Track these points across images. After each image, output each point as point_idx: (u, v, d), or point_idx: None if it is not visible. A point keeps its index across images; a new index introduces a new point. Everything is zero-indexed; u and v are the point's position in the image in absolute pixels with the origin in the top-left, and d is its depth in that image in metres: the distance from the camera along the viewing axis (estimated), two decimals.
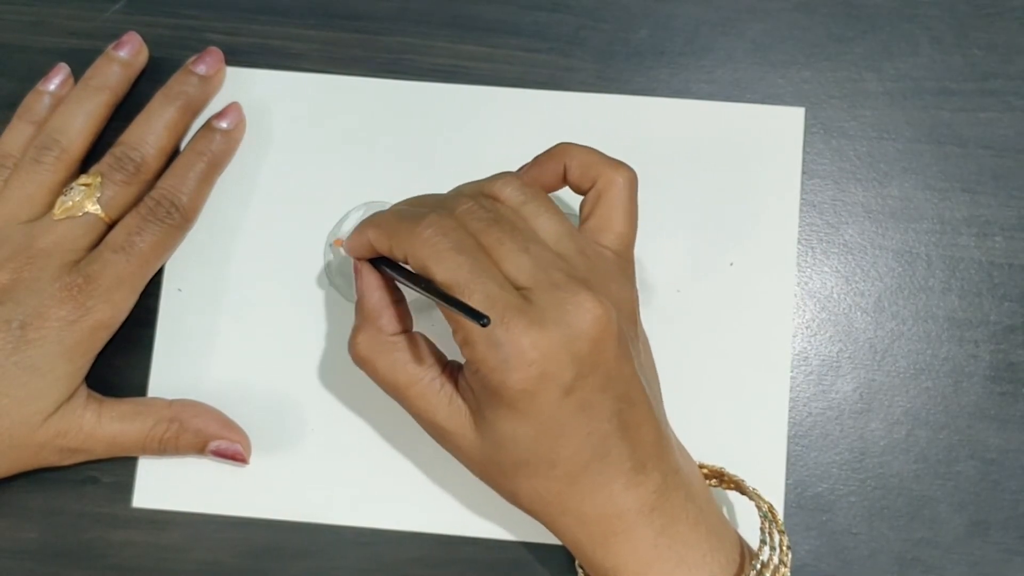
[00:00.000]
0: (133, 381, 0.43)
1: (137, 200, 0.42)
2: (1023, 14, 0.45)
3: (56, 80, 0.44)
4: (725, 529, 0.37)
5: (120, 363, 0.43)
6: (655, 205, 0.43)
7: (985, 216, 0.44)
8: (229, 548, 0.42)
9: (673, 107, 0.45)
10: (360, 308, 0.38)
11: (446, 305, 0.33)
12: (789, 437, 0.43)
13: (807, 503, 0.42)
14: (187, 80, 0.44)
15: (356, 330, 0.37)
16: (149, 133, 0.42)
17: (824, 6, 0.46)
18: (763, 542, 0.36)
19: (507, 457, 0.35)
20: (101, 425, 0.41)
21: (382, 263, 0.37)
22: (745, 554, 0.37)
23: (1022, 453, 0.42)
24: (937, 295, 0.44)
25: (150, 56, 0.45)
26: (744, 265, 0.43)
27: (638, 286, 0.38)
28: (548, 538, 0.39)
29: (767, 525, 0.37)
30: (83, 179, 0.41)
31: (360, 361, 0.37)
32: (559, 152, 0.38)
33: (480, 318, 0.31)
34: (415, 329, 0.38)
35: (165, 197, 0.42)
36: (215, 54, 0.44)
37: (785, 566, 0.36)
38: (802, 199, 0.44)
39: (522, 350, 0.32)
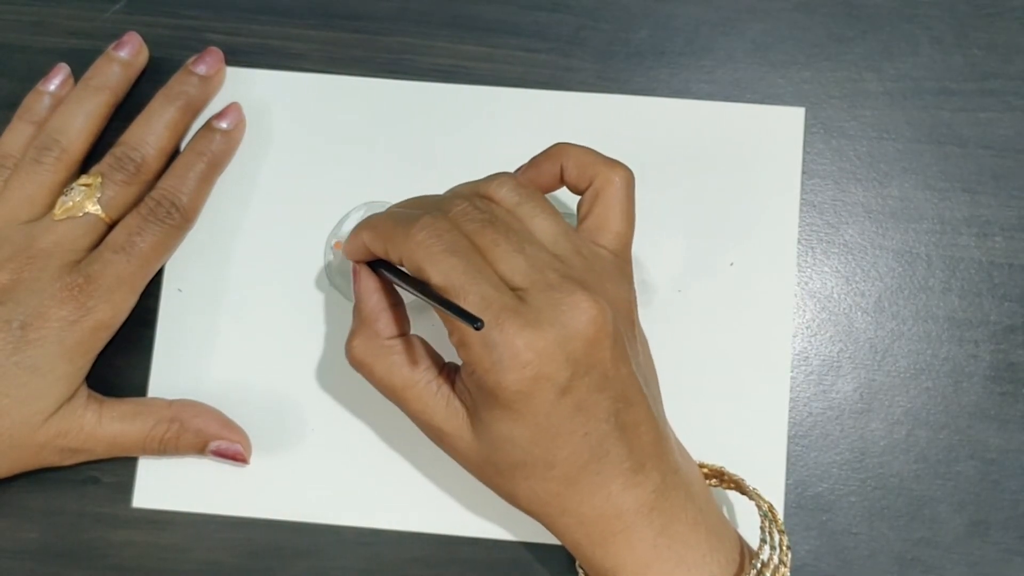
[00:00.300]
0: (133, 381, 0.43)
1: (137, 200, 0.42)
2: (1023, 14, 0.45)
3: (56, 80, 0.44)
4: (725, 529, 0.37)
5: (120, 363, 0.43)
6: (655, 205, 0.43)
7: (985, 216, 0.44)
8: (229, 548, 0.42)
9: (673, 107, 0.45)
10: (357, 311, 0.38)
11: (441, 308, 0.33)
12: (789, 437, 0.43)
13: (807, 503, 0.42)
14: (187, 80, 0.44)
15: (353, 333, 0.37)
16: (149, 133, 0.42)
17: (824, 6, 0.46)
18: (763, 541, 0.36)
19: (504, 458, 0.35)
20: (101, 425, 0.41)
21: (379, 265, 0.37)
22: (745, 554, 0.37)
23: (1022, 453, 0.42)
24: (937, 295, 0.44)
25: (150, 56, 0.45)
26: (744, 265, 0.43)
27: (638, 286, 0.38)
28: (548, 538, 0.39)
29: (767, 525, 0.37)
30: (83, 179, 0.41)
31: (357, 364, 0.37)
32: (556, 152, 0.38)
33: (474, 321, 0.31)
34: (414, 330, 0.38)
35: (165, 197, 0.42)
36: (215, 54, 0.44)
37: (785, 566, 0.36)
38: (802, 199, 0.44)
39: (517, 351, 0.32)
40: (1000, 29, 0.45)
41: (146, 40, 0.45)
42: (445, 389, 0.36)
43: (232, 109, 0.44)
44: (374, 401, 0.38)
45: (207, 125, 0.44)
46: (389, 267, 0.37)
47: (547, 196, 0.38)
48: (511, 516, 0.38)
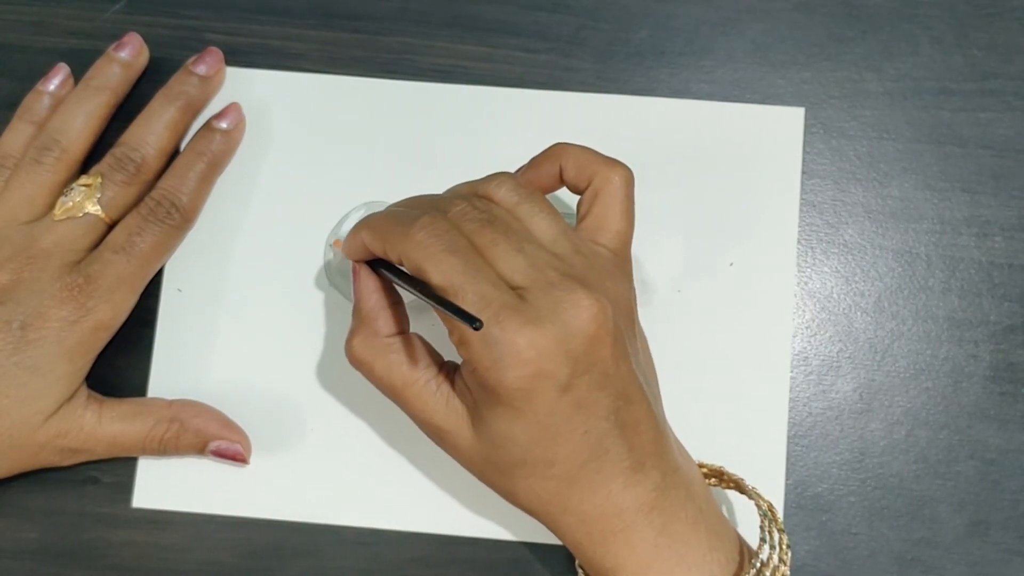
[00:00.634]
0: (133, 381, 0.43)
1: (137, 200, 0.42)
2: (1023, 14, 0.45)
3: (56, 80, 0.44)
4: (725, 528, 0.37)
5: (120, 363, 0.43)
6: (655, 205, 0.43)
7: (985, 216, 0.44)
8: (229, 548, 0.42)
9: (673, 107, 0.45)
10: (357, 310, 0.38)
11: (440, 308, 0.33)
12: (789, 437, 0.43)
13: (807, 503, 0.42)
14: (187, 80, 0.44)
15: (352, 332, 0.37)
16: (149, 133, 0.42)
17: (824, 6, 0.46)
18: (763, 541, 0.36)
19: (505, 457, 0.35)
20: (101, 425, 0.41)
21: (379, 265, 0.37)
22: (745, 553, 0.37)
23: (1022, 453, 0.42)
24: (937, 295, 0.44)
25: (150, 56, 0.45)
26: (744, 265, 0.43)
27: (638, 286, 0.38)
28: (548, 538, 0.39)
29: (767, 524, 0.37)
30: (83, 179, 0.42)
31: (356, 363, 0.37)
32: (555, 153, 0.38)
33: (472, 321, 0.31)
34: (415, 328, 0.38)
35: (165, 197, 0.42)
36: (215, 54, 0.44)
37: (785, 565, 0.36)
38: (802, 199, 0.44)
39: (518, 349, 0.32)
40: (1000, 29, 0.45)
41: (146, 40, 0.45)
42: (445, 387, 0.36)
43: (232, 109, 0.44)
44: (374, 401, 0.38)
45: (207, 125, 0.44)
46: (388, 266, 0.37)
47: (546, 197, 0.38)
48: (511, 516, 0.38)
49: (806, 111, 0.45)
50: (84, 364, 0.41)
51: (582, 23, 0.46)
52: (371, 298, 0.37)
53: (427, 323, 0.42)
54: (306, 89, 0.45)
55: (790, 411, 0.43)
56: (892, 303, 0.44)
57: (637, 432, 0.35)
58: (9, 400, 0.39)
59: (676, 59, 0.45)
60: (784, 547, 0.36)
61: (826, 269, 0.44)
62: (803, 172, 0.44)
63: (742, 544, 0.37)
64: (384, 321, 0.37)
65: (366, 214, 0.43)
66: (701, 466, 0.39)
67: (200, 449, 0.41)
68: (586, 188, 0.38)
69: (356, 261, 0.38)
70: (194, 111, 0.44)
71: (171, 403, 0.42)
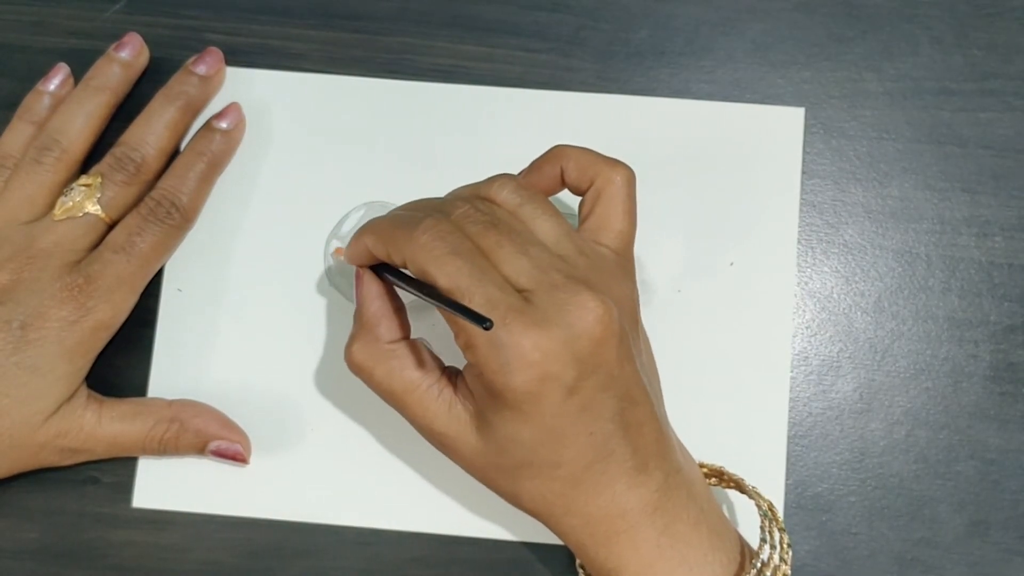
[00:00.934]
0: (133, 381, 0.43)
1: (137, 200, 0.42)
2: (1023, 14, 0.45)
3: (56, 80, 0.44)
4: (726, 528, 0.37)
5: (120, 363, 0.43)
6: (655, 205, 0.43)
7: (985, 216, 0.44)
8: (229, 548, 0.42)
9: (673, 107, 0.45)
10: (359, 316, 0.38)
11: (448, 309, 0.33)
12: (789, 437, 0.43)
13: (807, 503, 0.42)
14: (187, 80, 0.44)
15: (353, 338, 0.37)
16: (149, 133, 0.42)
17: (824, 6, 0.46)
18: (763, 541, 0.36)
19: (510, 459, 0.35)
20: (101, 425, 0.41)
21: (383, 269, 0.37)
22: (746, 553, 0.37)
23: (1022, 453, 0.42)
24: (937, 295, 0.44)
25: (150, 56, 0.45)
26: (744, 265, 0.43)
27: (638, 286, 0.38)
28: (548, 538, 0.39)
29: (767, 524, 0.37)
30: (83, 179, 0.41)
31: (356, 369, 0.37)
32: (555, 155, 0.38)
33: (482, 321, 0.31)
34: (416, 327, 0.38)
35: (165, 197, 0.42)
36: (215, 54, 0.44)
37: (786, 564, 0.36)
38: (802, 199, 0.44)
39: (524, 352, 0.32)
40: (1000, 29, 0.45)
41: (146, 40, 0.45)
42: (447, 392, 0.36)
43: (232, 109, 0.44)
44: (374, 401, 0.38)
45: (207, 125, 0.44)
46: (393, 270, 0.37)
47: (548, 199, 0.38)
48: (511, 516, 0.38)
49: (806, 111, 0.45)
50: (84, 364, 0.41)
51: (582, 23, 0.46)
52: (373, 303, 0.37)
53: (427, 323, 0.42)
54: (306, 89, 0.45)
55: (790, 411, 0.43)
56: (892, 303, 0.44)
57: (641, 433, 0.35)
58: (9, 400, 0.39)
59: (676, 59, 0.45)
60: (785, 547, 0.36)
61: (826, 269, 0.44)
62: (803, 172, 0.44)
63: (743, 544, 0.37)
64: (386, 327, 0.37)
65: (366, 214, 0.44)
66: (702, 466, 0.39)
67: (200, 449, 0.41)
68: (588, 189, 0.38)
69: (360, 266, 0.38)
70: (194, 111, 0.44)
71: (171, 403, 0.42)
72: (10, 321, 0.39)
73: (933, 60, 0.45)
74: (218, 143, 0.43)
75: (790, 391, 0.43)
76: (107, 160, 0.42)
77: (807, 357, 0.43)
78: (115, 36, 0.44)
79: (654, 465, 0.35)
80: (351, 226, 0.44)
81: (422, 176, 0.44)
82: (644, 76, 0.45)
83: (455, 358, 0.36)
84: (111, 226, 0.42)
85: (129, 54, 0.44)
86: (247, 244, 0.44)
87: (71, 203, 0.41)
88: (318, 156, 0.45)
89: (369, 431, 0.43)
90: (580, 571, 0.38)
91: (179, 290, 0.44)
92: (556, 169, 0.38)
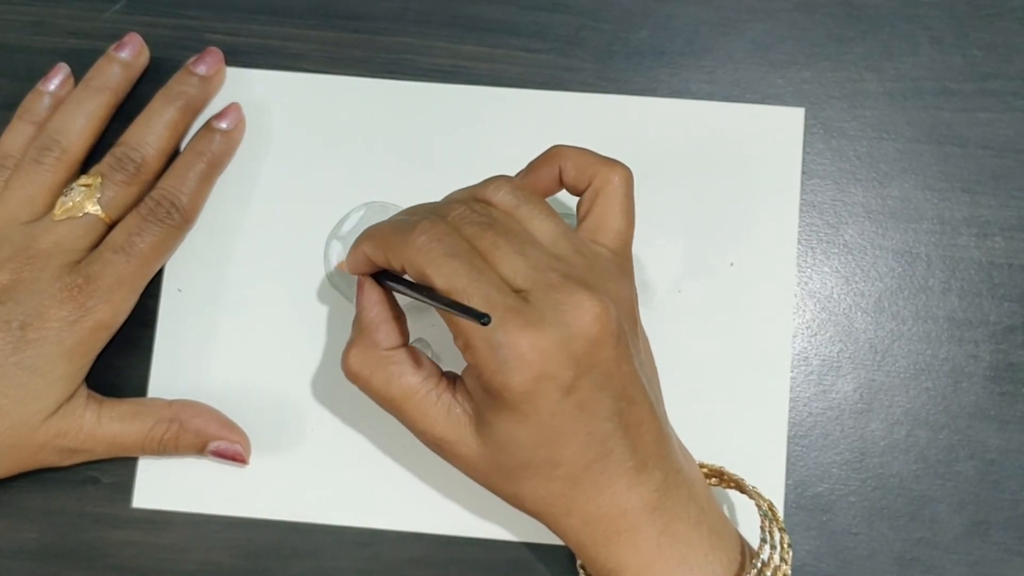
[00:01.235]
0: (133, 381, 0.43)
1: (137, 200, 0.42)
2: (1023, 14, 0.45)
3: (56, 80, 0.44)
4: (726, 528, 0.37)
5: (120, 363, 0.43)
6: (655, 205, 0.43)
7: (985, 216, 0.44)
8: (229, 548, 0.42)
9: (673, 107, 0.45)
10: (357, 322, 0.38)
11: (447, 309, 0.33)
12: (789, 437, 0.43)
13: (807, 503, 0.42)
14: (187, 80, 0.44)
15: (351, 344, 0.37)
16: (149, 133, 0.42)
17: (824, 6, 0.46)
18: (763, 541, 0.36)
19: (509, 460, 0.35)
20: (101, 425, 0.41)
21: (383, 277, 0.37)
22: (746, 553, 0.37)
23: (1022, 453, 0.42)
24: (937, 295, 0.44)
25: (150, 56, 0.45)
26: (744, 265, 0.43)
27: (638, 286, 0.38)
28: (548, 538, 0.39)
29: (767, 524, 0.37)
30: (83, 179, 0.41)
31: (353, 376, 0.37)
32: (553, 155, 0.38)
33: (481, 317, 0.31)
34: (415, 328, 0.38)
35: (165, 197, 0.42)
36: (215, 54, 0.44)
37: (786, 564, 0.36)
38: (802, 199, 0.44)
39: (521, 352, 0.32)
40: (1000, 29, 0.45)
41: (146, 40, 0.45)
42: (446, 397, 0.36)
43: (232, 109, 0.44)
44: (374, 402, 0.38)
45: (207, 125, 0.44)
46: (393, 276, 0.37)
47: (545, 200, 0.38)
48: (511, 516, 0.38)
49: (806, 111, 0.45)
50: (84, 364, 0.41)
51: (582, 23, 0.46)
52: (373, 310, 0.37)
53: (427, 323, 0.42)
54: (306, 89, 0.45)
55: (790, 411, 0.43)
56: (892, 303, 0.44)
57: (640, 433, 0.35)
58: (9, 400, 0.39)
59: (676, 59, 0.45)
60: (785, 547, 0.36)
61: (826, 269, 0.44)
62: (803, 172, 0.44)
63: (743, 544, 0.37)
64: (385, 333, 0.37)
65: (366, 214, 0.44)
66: (702, 466, 0.39)
67: (200, 449, 0.41)
68: (586, 189, 0.38)
69: (360, 275, 0.38)
70: (194, 111, 0.44)
71: (171, 403, 0.42)
72: (10, 321, 0.39)
73: (933, 60, 0.45)
74: (218, 143, 0.43)
75: (790, 391, 0.43)
76: (107, 160, 0.42)
77: (807, 357, 0.43)
78: (115, 36, 0.44)
79: (654, 464, 0.35)
80: (351, 226, 0.44)
81: (421, 176, 0.44)
82: (644, 76, 0.45)
83: (455, 358, 0.36)
84: (111, 226, 0.42)
85: (129, 54, 0.44)
86: (247, 244, 0.44)
87: (71, 203, 0.41)
88: (318, 156, 0.45)
89: (369, 431, 0.43)
90: (580, 571, 0.38)
91: (179, 290, 0.44)
92: (554, 169, 0.38)
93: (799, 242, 0.44)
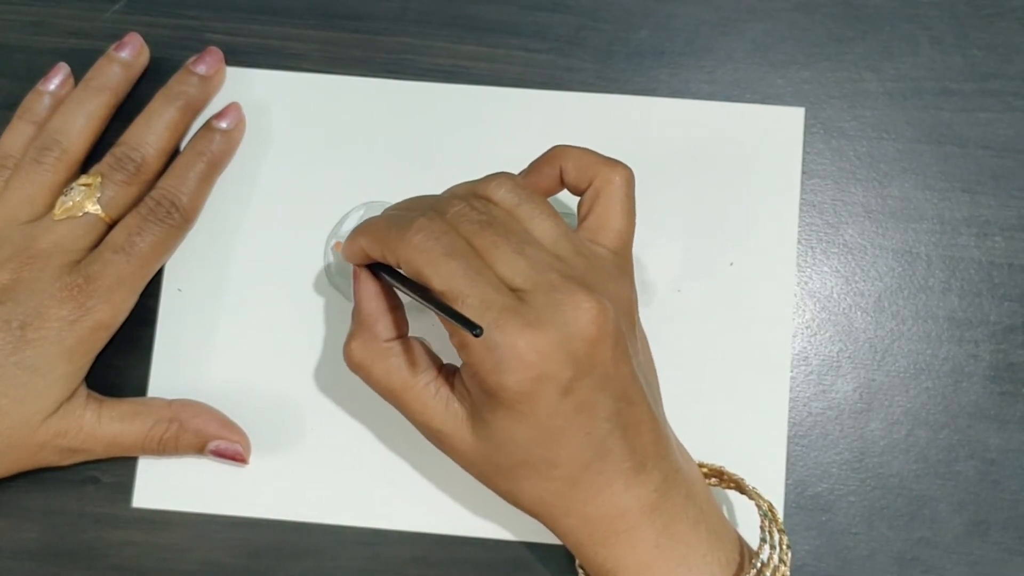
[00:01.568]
0: (133, 381, 0.43)
1: (137, 200, 0.42)
2: (1023, 14, 0.45)
3: (56, 80, 0.44)
4: (725, 528, 0.37)
5: (120, 363, 0.43)
6: (655, 205, 0.43)
7: (985, 216, 0.44)
8: (229, 548, 0.42)
9: (673, 107, 0.45)
10: (356, 314, 0.38)
11: (440, 313, 0.32)
12: (789, 437, 0.43)
13: (807, 503, 0.42)
14: (187, 80, 0.44)
15: (351, 336, 0.37)
16: (149, 133, 0.42)
17: (824, 6, 0.46)
18: (763, 541, 0.36)
19: (507, 459, 0.35)
20: (101, 425, 0.41)
21: (379, 269, 0.37)
22: (745, 553, 0.37)
23: (1022, 453, 0.42)
24: (937, 295, 0.44)
25: (150, 56, 0.45)
26: (744, 265, 0.43)
27: (638, 286, 0.38)
28: (548, 538, 0.39)
29: (767, 524, 0.37)
30: (83, 179, 0.41)
31: (355, 367, 0.37)
32: (554, 155, 0.38)
33: (472, 328, 0.31)
34: (415, 326, 0.38)
35: (165, 197, 0.42)
36: (215, 54, 0.44)
37: (785, 565, 0.36)
38: (802, 199, 0.44)
39: (519, 352, 0.32)
40: (1000, 29, 0.45)
41: (146, 40, 0.45)
42: (445, 390, 0.36)
43: (232, 109, 0.44)
44: (374, 401, 0.38)
45: (207, 125, 0.44)
46: (389, 270, 0.37)
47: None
48: (511, 516, 0.38)
49: (806, 111, 0.45)
50: (84, 364, 0.41)
51: (582, 23, 0.46)
52: (371, 302, 0.37)
53: (427, 323, 0.42)
54: (306, 89, 0.45)
55: (790, 411, 0.43)
56: (892, 303, 0.44)
57: (639, 433, 0.35)
58: (8, 400, 0.39)
59: (676, 59, 0.45)
60: (784, 547, 0.36)
61: (826, 269, 0.44)
62: (803, 172, 0.44)
63: (742, 544, 0.37)
64: (384, 325, 0.37)
65: (366, 214, 0.44)
66: (701, 466, 0.39)
67: (200, 449, 0.41)
68: (587, 189, 0.38)
69: (356, 265, 0.38)
70: (194, 111, 0.44)
71: (171, 403, 0.42)
72: (10, 321, 0.39)
73: (933, 60, 0.45)
74: (218, 143, 0.43)
75: (790, 391, 0.43)
76: (107, 160, 0.42)
77: (807, 357, 0.43)
78: (115, 36, 0.44)
79: (652, 465, 0.35)
80: (351, 226, 0.44)
81: (422, 176, 0.44)
82: (644, 76, 0.45)
83: (454, 354, 0.36)
84: (111, 226, 0.42)
85: (129, 54, 0.44)
86: (247, 244, 0.44)
87: (71, 203, 0.41)
88: (318, 156, 0.45)
89: (369, 431, 0.43)
90: (579, 571, 0.38)
91: (179, 290, 0.44)
92: (555, 169, 0.38)
93: (799, 242, 0.44)
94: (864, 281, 0.44)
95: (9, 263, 0.40)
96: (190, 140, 0.44)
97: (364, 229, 0.37)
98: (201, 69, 0.44)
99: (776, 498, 0.42)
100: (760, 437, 0.42)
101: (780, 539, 0.36)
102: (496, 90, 0.45)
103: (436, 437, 0.36)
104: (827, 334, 0.43)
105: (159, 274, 0.44)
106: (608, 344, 0.33)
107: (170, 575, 0.42)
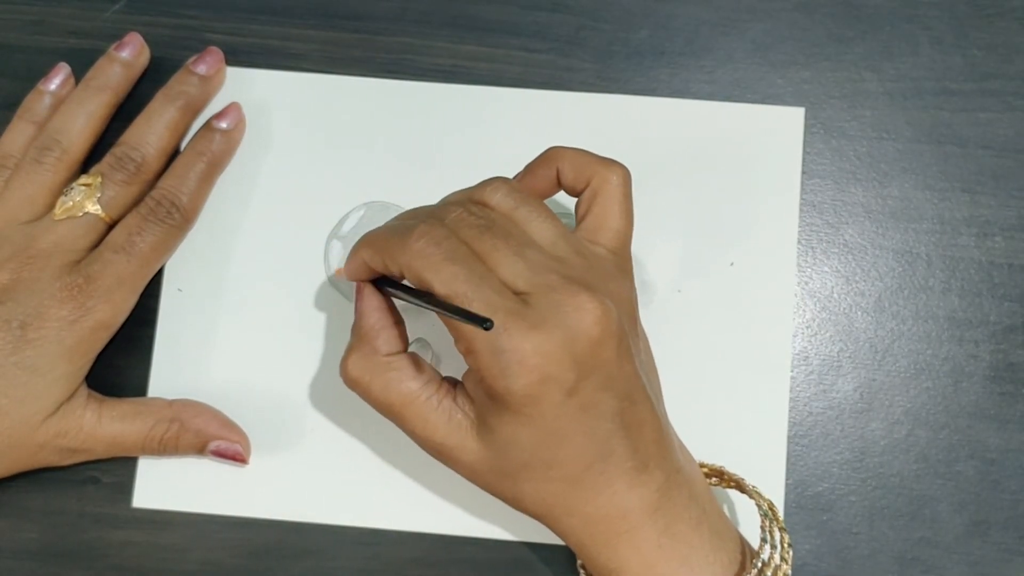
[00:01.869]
0: (133, 381, 0.43)
1: (138, 200, 0.42)
2: (1023, 14, 0.45)
3: (56, 80, 0.44)
4: (727, 528, 0.37)
5: (120, 363, 0.43)
6: (655, 205, 0.43)
7: (985, 216, 0.44)
8: (229, 548, 0.42)
9: (673, 107, 0.45)
10: (356, 329, 0.37)
11: (448, 315, 0.32)
12: (789, 437, 0.43)
13: (807, 503, 0.42)
14: (187, 80, 0.44)
15: (349, 350, 0.37)
16: (150, 133, 0.42)
17: (824, 6, 0.46)
18: (764, 540, 0.36)
19: (511, 462, 0.35)
20: (101, 425, 0.40)
21: (382, 283, 0.37)
22: (746, 553, 0.37)
23: (1022, 453, 0.42)
24: (937, 295, 0.44)
25: (150, 56, 0.45)
26: (744, 265, 0.43)
27: (638, 286, 0.38)
28: (548, 538, 0.39)
29: (768, 523, 0.37)
30: (84, 179, 0.41)
31: (352, 383, 0.37)
32: (550, 156, 0.38)
33: (483, 322, 0.31)
34: (414, 328, 0.38)
35: (165, 197, 0.42)
36: (215, 54, 0.44)
37: (787, 564, 0.36)
38: (802, 199, 0.44)
39: (524, 355, 0.32)
40: (1000, 29, 0.45)
41: (146, 40, 0.45)
42: (447, 402, 0.36)
43: (232, 109, 0.44)
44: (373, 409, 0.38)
45: (207, 125, 0.44)
46: (392, 283, 0.37)
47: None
48: (511, 516, 0.38)
49: (806, 111, 0.45)
50: (84, 364, 0.41)
51: (582, 23, 0.46)
52: (372, 316, 0.37)
53: (427, 323, 0.42)
54: (306, 89, 0.45)
55: (790, 411, 0.43)
56: (892, 303, 0.44)
57: (641, 433, 0.35)
58: (8, 400, 0.39)
59: (676, 59, 0.45)
60: (785, 546, 0.36)
61: (826, 269, 0.44)
62: (803, 172, 0.44)
63: (744, 544, 0.37)
64: (384, 340, 0.37)
65: (366, 214, 0.44)
66: (702, 466, 0.39)
67: (200, 449, 0.41)
68: (584, 190, 0.38)
69: (359, 281, 0.38)
70: (194, 111, 0.44)
71: (171, 403, 0.42)
72: (10, 321, 0.39)
73: (933, 60, 0.45)
74: (218, 143, 0.43)
75: (790, 391, 0.43)
76: (107, 160, 0.42)
77: (807, 357, 0.43)
78: (115, 36, 0.44)
79: (654, 465, 0.35)
80: (351, 226, 0.44)
81: (422, 176, 0.44)
82: (644, 76, 0.45)
83: (456, 357, 0.36)
84: (111, 226, 0.42)
85: (130, 54, 0.44)
86: (247, 244, 0.44)
87: (71, 203, 0.41)
88: (318, 156, 0.45)
89: (369, 431, 0.43)
90: (581, 571, 0.38)
91: (179, 290, 0.44)
92: (552, 171, 0.38)
93: (799, 242, 0.44)
94: (864, 281, 0.44)
95: (9, 263, 0.40)
96: (190, 140, 0.44)
97: (365, 242, 0.37)
98: (201, 69, 0.44)
99: (776, 498, 0.42)
100: (760, 437, 0.42)
101: (781, 538, 0.36)
102: (496, 90, 0.45)
103: (438, 450, 0.36)
104: (827, 334, 0.43)
105: (159, 274, 0.44)
106: (611, 344, 0.33)
107: (170, 575, 0.42)
